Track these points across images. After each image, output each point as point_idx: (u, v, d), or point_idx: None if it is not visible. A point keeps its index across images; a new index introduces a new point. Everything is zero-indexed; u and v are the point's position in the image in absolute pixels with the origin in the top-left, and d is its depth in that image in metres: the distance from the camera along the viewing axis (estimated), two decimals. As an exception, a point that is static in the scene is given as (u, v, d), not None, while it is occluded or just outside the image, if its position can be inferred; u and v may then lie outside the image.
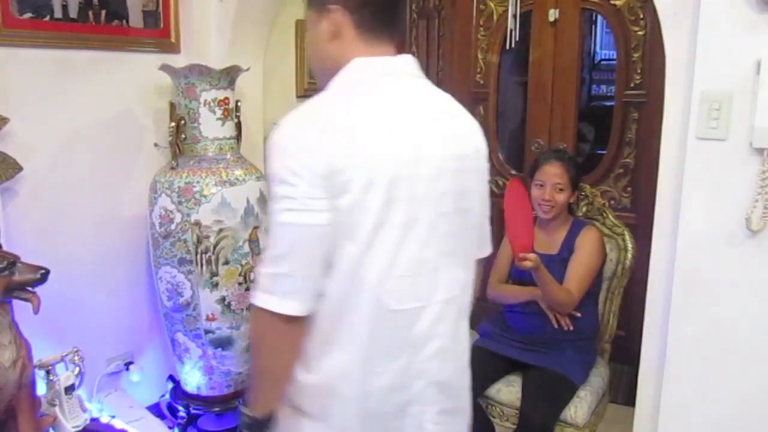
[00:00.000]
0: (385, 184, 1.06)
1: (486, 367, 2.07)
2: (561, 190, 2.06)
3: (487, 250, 1.41)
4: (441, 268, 1.18)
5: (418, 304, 1.16)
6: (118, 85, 2.30)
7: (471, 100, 3.45)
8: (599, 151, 3.19)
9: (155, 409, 2.48)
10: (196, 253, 2.18)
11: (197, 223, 2.16)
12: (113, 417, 2.09)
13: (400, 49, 1.19)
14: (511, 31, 3.07)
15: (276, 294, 1.08)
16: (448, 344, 1.22)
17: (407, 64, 1.19)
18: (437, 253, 1.17)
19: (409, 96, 1.17)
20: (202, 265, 2.19)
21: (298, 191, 1.03)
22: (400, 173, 1.09)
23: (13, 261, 1.60)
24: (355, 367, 1.15)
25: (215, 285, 2.21)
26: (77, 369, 1.97)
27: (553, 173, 2.06)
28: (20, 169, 1.97)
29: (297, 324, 1.11)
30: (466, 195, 1.21)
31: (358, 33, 1.14)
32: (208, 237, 2.17)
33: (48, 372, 1.92)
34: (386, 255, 1.10)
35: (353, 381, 1.16)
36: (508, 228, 1.98)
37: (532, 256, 1.91)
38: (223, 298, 2.23)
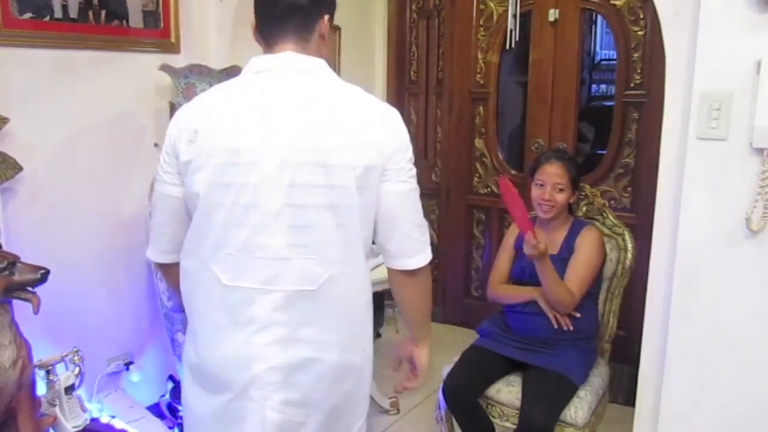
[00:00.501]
0: (211, 168, 1.19)
1: (486, 367, 2.07)
2: (561, 189, 2.06)
3: (410, 261, 1.30)
4: (291, 259, 1.20)
5: (255, 286, 1.21)
6: (118, 85, 2.30)
7: (471, 100, 3.46)
8: (599, 151, 3.19)
9: (155, 409, 2.47)
10: (196, 253, 2.18)
11: (197, 223, 2.15)
12: (113, 417, 2.09)
13: (298, 47, 1.27)
14: (511, 31, 3.07)
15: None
16: (291, 334, 1.22)
17: (285, 60, 1.25)
18: (285, 243, 1.19)
19: (274, 89, 1.23)
20: (202, 265, 2.18)
21: (160, 165, 1.30)
22: (233, 160, 1.18)
23: (13, 261, 1.60)
24: (197, 329, 1.29)
25: (215, 285, 2.21)
26: (77, 369, 1.97)
27: (553, 173, 2.06)
28: (20, 169, 1.97)
29: (163, 266, 1.41)
30: (333, 191, 1.19)
31: (261, 37, 1.34)
32: (208, 237, 2.16)
33: (48, 372, 1.92)
34: (217, 232, 1.21)
35: (194, 342, 1.30)
36: (514, 212, 1.97)
37: (541, 239, 1.92)
38: (223, 298, 2.23)
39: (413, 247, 1.30)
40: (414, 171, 1.29)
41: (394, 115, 1.28)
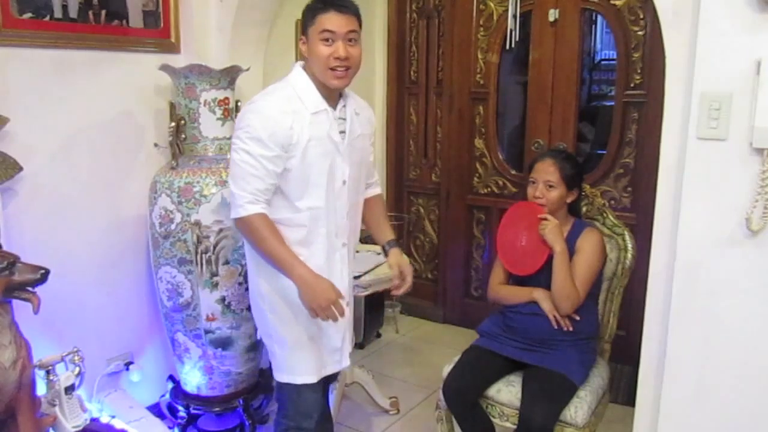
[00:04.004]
0: None
1: (486, 367, 2.07)
2: (552, 187, 2.06)
3: None
4: None
5: None
6: (118, 85, 2.30)
7: (471, 100, 3.46)
8: (599, 151, 3.19)
9: (155, 409, 2.48)
10: (196, 253, 2.18)
11: (197, 223, 2.16)
12: (113, 417, 2.09)
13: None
14: (511, 31, 3.07)
15: None
16: None
17: None
18: None
19: None
20: (202, 265, 2.19)
21: None
22: None
23: (13, 261, 1.60)
24: None
25: (215, 285, 2.21)
26: (77, 369, 1.97)
27: (543, 170, 2.08)
28: (20, 169, 1.97)
29: None
30: None
31: None
32: (208, 237, 2.17)
33: (48, 372, 1.92)
34: None
35: None
36: (523, 204, 2.15)
37: (551, 218, 2.03)
38: (223, 298, 2.23)
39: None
40: (236, 145, 1.67)
41: (248, 104, 1.72)
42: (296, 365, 1.82)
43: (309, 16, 1.69)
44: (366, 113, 1.89)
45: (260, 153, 1.63)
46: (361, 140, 1.83)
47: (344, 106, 1.79)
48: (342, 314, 1.67)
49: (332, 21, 1.65)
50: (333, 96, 1.76)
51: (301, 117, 1.68)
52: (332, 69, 1.67)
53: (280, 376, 1.85)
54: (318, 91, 1.72)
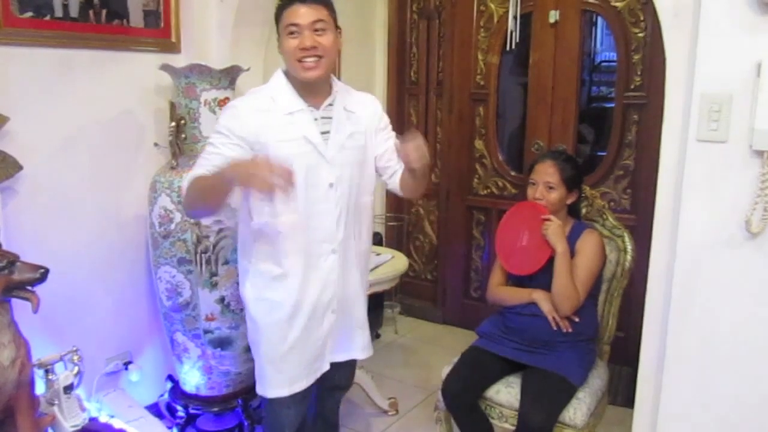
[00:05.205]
0: None
1: (485, 368, 2.07)
2: (552, 188, 2.07)
3: None
4: None
5: None
6: (118, 85, 2.30)
7: (471, 101, 3.46)
8: (599, 153, 3.19)
9: (154, 409, 2.48)
10: (196, 253, 2.18)
11: (197, 223, 2.16)
12: (112, 416, 2.09)
13: None
14: (511, 32, 3.08)
15: None
16: None
17: None
18: None
19: None
20: (201, 265, 2.19)
21: None
22: None
23: (12, 260, 1.60)
24: None
25: (214, 285, 2.21)
26: (76, 368, 1.97)
27: (543, 172, 2.08)
28: (20, 168, 1.97)
29: None
30: None
31: None
32: (207, 237, 2.17)
33: (47, 371, 1.92)
34: None
35: None
36: (526, 204, 2.13)
37: (554, 218, 2.02)
38: (223, 298, 2.23)
39: None
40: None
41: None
42: (268, 378, 1.79)
43: (277, 14, 1.68)
44: (367, 110, 1.82)
45: (220, 141, 1.66)
46: (359, 138, 1.76)
47: (331, 104, 1.73)
48: (287, 177, 1.40)
49: (296, 13, 1.63)
50: (317, 94, 1.71)
51: (272, 117, 1.66)
52: (300, 61, 1.64)
53: (257, 387, 1.84)
54: (296, 91, 1.69)
